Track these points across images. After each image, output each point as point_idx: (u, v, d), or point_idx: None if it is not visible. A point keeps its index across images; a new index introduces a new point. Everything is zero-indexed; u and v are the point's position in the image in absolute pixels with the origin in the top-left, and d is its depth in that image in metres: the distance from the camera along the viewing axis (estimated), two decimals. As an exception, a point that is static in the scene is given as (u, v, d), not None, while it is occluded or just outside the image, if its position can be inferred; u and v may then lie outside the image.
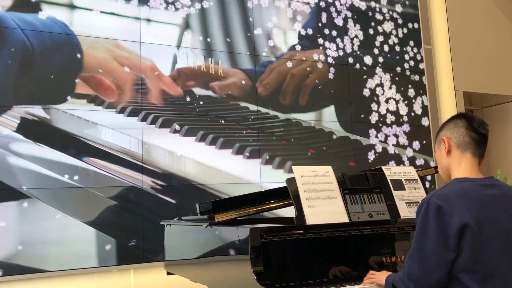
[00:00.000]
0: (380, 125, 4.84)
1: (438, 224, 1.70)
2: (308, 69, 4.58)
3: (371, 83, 4.89)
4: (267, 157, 4.20)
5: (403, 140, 4.93)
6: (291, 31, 4.60)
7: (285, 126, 4.39)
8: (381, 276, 1.95)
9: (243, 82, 4.26)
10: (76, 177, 3.57)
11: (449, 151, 1.91)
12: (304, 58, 4.59)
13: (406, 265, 1.77)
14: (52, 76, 3.59)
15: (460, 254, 1.69)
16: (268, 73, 4.39)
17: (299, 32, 4.63)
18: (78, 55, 3.69)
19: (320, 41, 4.70)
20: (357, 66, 4.84)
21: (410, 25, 5.24)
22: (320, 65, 4.65)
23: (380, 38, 5.03)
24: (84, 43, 3.73)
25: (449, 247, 1.68)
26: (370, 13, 5.03)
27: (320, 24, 4.73)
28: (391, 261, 2.22)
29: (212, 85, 4.14)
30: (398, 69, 5.07)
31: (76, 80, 3.67)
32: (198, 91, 4.10)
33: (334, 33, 4.78)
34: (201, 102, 4.09)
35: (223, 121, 4.13)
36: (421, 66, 5.21)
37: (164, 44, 4.05)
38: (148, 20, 4.02)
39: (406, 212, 2.41)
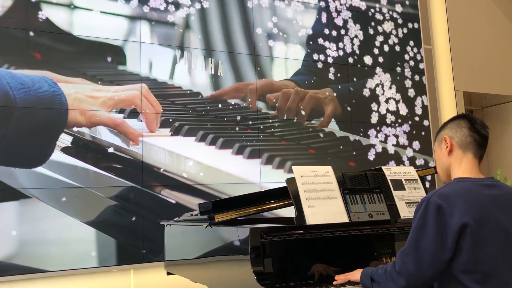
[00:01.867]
0: (380, 125, 4.84)
1: (436, 223, 1.71)
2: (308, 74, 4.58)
3: (371, 83, 4.89)
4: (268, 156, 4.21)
5: (403, 140, 4.93)
6: (291, 31, 4.60)
7: (285, 126, 4.39)
8: (356, 273, 1.95)
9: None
10: (76, 177, 3.56)
11: (450, 150, 1.91)
12: (304, 59, 4.59)
13: (398, 260, 1.77)
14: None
15: (459, 254, 1.69)
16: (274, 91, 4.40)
17: (299, 32, 4.63)
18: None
19: (320, 41, 4.70)
20: (357, 66, 4.84)
21: (410, 25, 5.24)
22: (320, 65, 4.65)
23: (380, 38, 5.03)
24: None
25: (446, 247, 1.68)
26: (370, 13, 5.03)
27: (320, 24, 4.73)
28: (391, 261, 2.22)
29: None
30: (398, 69, 5.07)
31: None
32: (199, 91, 4.11)
33: (334, 33, 4.78)
34: (206, 103, 4.09)
35: (223, 121, 4.13)
36: (421, 66, 5.21)
37: (164, 44, 4.05)
38: (148, 20, 4.02)
39: (406, 212, 2.41)
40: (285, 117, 4.40)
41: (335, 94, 4.64)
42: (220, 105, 4.15)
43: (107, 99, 3.73)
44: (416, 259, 1.72)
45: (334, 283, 2.01)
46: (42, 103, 3.50)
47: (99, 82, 3.75)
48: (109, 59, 3.82)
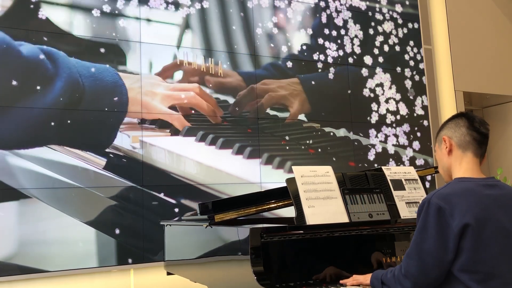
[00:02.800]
0: (380, 125, 4.84)
1: (438, 225, 1.71)
2: (307, 73, 4.58)
3: (371, 83, 4.89)
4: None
5: (403, 140, 4.93)
6: (291, 31, 4.60)
7: (285, 126, 4.39)
8: (366, 276, 1.95)
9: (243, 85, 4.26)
10: (76, 177, 3.56)
11: (450, 150, 1.91)
12: (304, 58, 4.59)
13: (404, 262, 1.77)
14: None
15: (460, 254, 1.69)
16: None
17: (299, 32, 4.63)
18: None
19: (320, 41, 4.70)
20: (357, 66, 4.84)
21: (410, 25, 5.24)
22: (320, 65, 4.65)
23: (380, 38, 5.03)
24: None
25: (447, 248, 1.68)
26: (370, 13, 5.03)
27: (320, 24, 4.73)
28: (391, 261, 2.22)
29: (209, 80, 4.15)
30: (398, 69, 5.07)
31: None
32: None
33: (334, 33, 4.78)
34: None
35: (223, 122, 4.13)
36: (421, 66, 5.21)
37: (164, 44, 4.05)
38: (148, 20, 4.02)
39: (406, 212, 2.41)
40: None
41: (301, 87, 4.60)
42: (220, 105, 4.15)
43: (166, 96, 3.90)
44: (419, 262, 1.72)
45: (348, 284, 2.00)
46: (106, 91, 3.72)
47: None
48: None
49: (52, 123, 3.52)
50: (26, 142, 3.45)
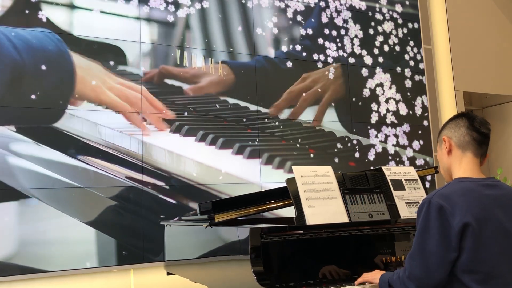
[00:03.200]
0: (380, 125, 4.84)
1: (440, 224, 1.70)
2: (307, 73, 4.59)
3: (371, 83, 4.89)
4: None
5: (403, 140, 4.93)
6: (291, 31, 4.60)
7: (285, 126, 4.39)
8: (375, 275, 1.95)
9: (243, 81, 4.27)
10: (76, 177, 3.56)
11: (450, 150, 1.91)
12: (304, 59, 4.59)
13: (407, 264, 1.77)
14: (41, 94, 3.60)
15: (461, 254, 1.69)
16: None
17: (299, 32, 4.63)
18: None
19: (320, 41, 4.70)
20: (357, 66, 4.84)
21: (410, 25, 5.24)
22: (320, 65, 4.65)
23: (380, 38, 5.03)
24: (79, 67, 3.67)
25: (450, 246, 1.68)
26: (370, 13, 5.03)
27: (320, 24, 4.73)
28: (391, 261, 2.22)
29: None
30: (398, 69, 5.07)
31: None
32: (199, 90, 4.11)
33: (334, 33, 4.78)
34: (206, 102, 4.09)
35: (223, 121, 4.13)
36: (421, 66, 5.21)
37: (164, 44, 4.05)
38: (148, 20, 4.02)
39: (406, 212, 2.41)
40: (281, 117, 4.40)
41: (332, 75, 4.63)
42: (218, 106, 4.15)
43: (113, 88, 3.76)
44: (423, 262, 1.71)
45: (358, 281, 2.01)
46: (49, 62, 3.57)
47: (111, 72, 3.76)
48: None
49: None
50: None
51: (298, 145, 4.40)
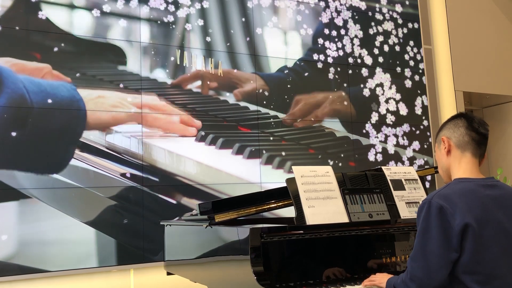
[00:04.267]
0: (380, 125, 4.84)
1: (440, 225, 1.70)
2: (307, 73, 4.59)
3: (371, 83, 4.89)
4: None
5: (403, 140, 4.93)
6: (291, 31, 4.60)
7: (285, 126, 4.39)
8: (382, 279, 1.94)
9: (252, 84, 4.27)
10: (76, 177, 3.56)
11: (449, 151, 1.91)
12: (304, 59, 4.59)
13: (409, 266, 1.77)
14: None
15: (461, 254, 1.68)
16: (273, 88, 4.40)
17: (299, 32, 4.63)
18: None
19: (320, 41, 4.70)
20: (357, 66, 4.84)
21: (410, 25, 5.24)
22: (320, 65, 4.65)
23: (380, 38, 5.03)
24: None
25: (451, 247, 1.68)
26: (370, 13, 5.03)
27: (320, 24, 4.73)
28: (391, 262, 2.22)
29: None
30: (398, 69, 5.07)
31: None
32: (198, 90, 4.11)
33: (334, 33, 4.78)
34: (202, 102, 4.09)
35: (223, 121, 4.13)
36: (421, 66, 5.21)
37: (164, 44, 4.05)
38: (148, 20, 4.02)
39: (406, 212, 2.41)
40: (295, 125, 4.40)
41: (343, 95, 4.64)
42: (220, 105, 4.15)
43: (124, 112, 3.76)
44: (424, 264, 1.71)
45: (364, 283, 2.00)
46: (59, 106, 3.54)
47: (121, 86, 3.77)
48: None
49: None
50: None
51: (298, 145, 4.40)
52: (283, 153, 4.30)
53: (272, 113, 4.36)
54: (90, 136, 3.65)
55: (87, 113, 3.64)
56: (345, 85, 4.73)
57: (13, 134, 3.40)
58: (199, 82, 4.12)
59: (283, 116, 4.39)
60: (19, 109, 3.43)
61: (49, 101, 3.51)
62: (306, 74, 4.57)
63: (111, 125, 3.71)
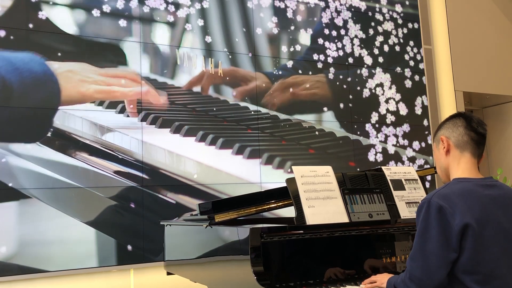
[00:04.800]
0: (380, 125, 4.84)
1: (440, 224, 1.70)
2: (309, 72, 4.59)
3: (371, 83, 4.89)
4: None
5: (403, 140, 4.93)
6: (291, 31, 4.60)
7: (285, 126, 4.39)
8: (383, 279, 1.94)
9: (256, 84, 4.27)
10: (76, 177, 3.57)
11: (448, 150, 1.90)
12: (304, 59, 4.59)
13: (408, 266, 1.76)
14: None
15: (461, 254, 1.68)
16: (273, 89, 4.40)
17: (299, 32, 4.63)
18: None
19: (320, 41, 4.70)
20: (357, 66, 4.84)
21: (410, 25, 5.24)
22: (320, 65, 4.65)
23: (380, 38, 5.03)
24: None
25: (451, 247, 1.68)
26: (370, 13, 5.03)
27: (320, 24, 4.73)
28: (391, 262, 2.22)
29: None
30: (398, 69, 5.07)
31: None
32: (198, 90, 4.11)
33: (334, 33, 4.78)
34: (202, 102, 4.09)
35: (223, 121, 4.13)
36: (421, 66, 5.21)
37: (164, 44, 4.05)
38: (148, 20, 4.02)
39: (406, 212, 2.41)
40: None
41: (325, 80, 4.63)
42: (220, 105, 4.15)
43: (100, 91, 3.74)
44: (423, 263, 1.70)
45: (365, 283, 2.00)
46: (35, 83, 3.51)
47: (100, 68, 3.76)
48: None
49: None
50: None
51: (298, 145, 4.40)
52: (280, 153, 4.30)
53: (272, 113, 4.36)
54: (86, 135, 3.65)
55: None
56: (344, 86, 4.73)
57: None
58: (199, 82, 4.12)
59: (284, 115, 4.39)
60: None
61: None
62: (305, 74, 4.56)
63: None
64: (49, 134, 3.54)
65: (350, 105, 4.73)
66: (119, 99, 3.78)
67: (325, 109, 4.59)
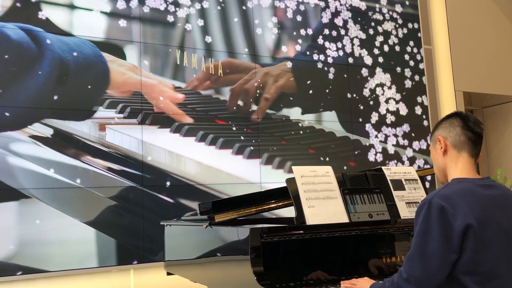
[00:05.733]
0: (380, 125, 4.84)
1: (441, 225, 1.69)
2: (308, 71, 4.59)
3: (371, 83, 4.89)
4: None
5: (403, 140, 4.93)
6: (291, 31, 4.60)
7: (285, 126, 4.39)
8: (364, 284, 1.92)
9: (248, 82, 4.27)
10: (76, 177, 3.57)
11: (445, 151, 1.89)
12: (304, 59, 4.59)
13: (405, 266, 1.75)
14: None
15: (461, 255, 1.68)
16: (269, 82, 4.39)
17: (299, 32, 4.63)
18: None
19: (320, 41, 4.70)
20: (357, 66, 4.84)
21: (410, 25, 5.24)
22: (320, 65, 4.65)
23: (380, 38, 5.03)
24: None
25: (451, 248, 1.67)
26: (370, 13, 5.03)
27: (320, 24, 4.73)
28: (391, 262, 2.22)
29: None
30: (398, 69, 5.07)
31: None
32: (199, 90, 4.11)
33: (334, 33, 4.78)
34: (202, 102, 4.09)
35: (223, 121, 4.13)
36: (421, 66, 5.21)
37: (164, 44, 4.05)
38: (148, 20, 4.02)
39: (406, 212, 2.41)
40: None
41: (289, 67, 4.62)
42: (220, 105, 4.15)
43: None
44: (423, 264, 1.69)
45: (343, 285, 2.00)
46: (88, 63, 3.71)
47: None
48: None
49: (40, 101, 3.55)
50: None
51: (298, 145, 4.40)
52: (279, 152, 4.30)
53: (272, 112, 4.36)
54: (86, 135, 3.65)
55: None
56: (344, 86, 4.73)
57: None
58: (199, 83, 4.12)
59: (284, 116, 4.39)
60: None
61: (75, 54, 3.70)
62: (305, 73, 4.56)
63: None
64: (49, 135, 3.54)
65: (350, 105, 4.72)
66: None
67: (325, 108, 4.59)
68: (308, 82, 4.55)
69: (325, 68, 4.67)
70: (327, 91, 4.64)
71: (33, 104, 3.52)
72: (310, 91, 4.56)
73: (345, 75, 4.75)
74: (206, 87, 4.14)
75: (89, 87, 3.70)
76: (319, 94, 4.60)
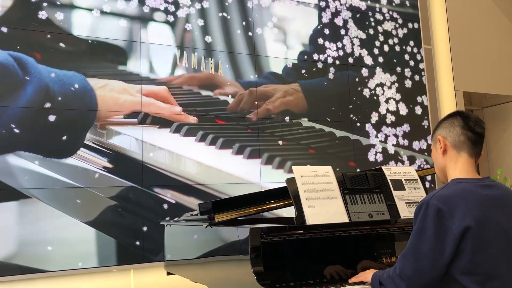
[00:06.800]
0: (380, 125, 4.84)
1: (436, 227, 1.69)
2: (307, 71, 4.59)
3: (371, 83, 4.89)
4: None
5: (403, 140, 4.93)
6: (291, 31, 4.60)
7: (285, 126, 4.39)
8: (367, 274, 1.95)
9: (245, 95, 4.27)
10: (76, 177, 3.56)
11: (445, 150, 1.89)
12: (304, 59, 4.59)
13: (399, 263, 1.76)
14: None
15: (460, 256, 1.68)
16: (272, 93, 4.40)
17: (299, 32, 4.63)
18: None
19: (320, 41, 4.70)
20: (357, 66, 4.84)
21: (410, 25, 5.24)
22: (320, 65, 4.65)
23: (380, 38, 5.03)
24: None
25: (445, 251, 1.67)
26: (370, 13, 5.03)
27: (320, 24, 4.73)
28: (391, 261, 2.22)
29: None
30: (398, 69, 5.07)
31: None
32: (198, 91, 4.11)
33: (334, 33, 4.78)
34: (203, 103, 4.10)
35: (224, 121, 4.13)
36: (421, 66, 5.21)
37: (164, 44, 4.05)
38: (148, 20, 4.02)
39: (406, 212, 2.41)
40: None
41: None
42: (220, 106, 4.15)
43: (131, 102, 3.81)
44: (415, 264, 1.70)
45: (350, 280, 2.01)
46: (75, 97, 3.62)
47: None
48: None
49: (18, 130, 3.44)
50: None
51: (298, 145, 4.40)
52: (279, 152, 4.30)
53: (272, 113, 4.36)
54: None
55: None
56: (344, 86, 4.73)
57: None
58: (199, 83, 4.12)
59: (284, 116, 4.39)
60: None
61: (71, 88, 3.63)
62: (305, 74, 4.57)
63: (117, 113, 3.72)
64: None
65: (350, 105, 4.72)
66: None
67: (324, 108, 4.59)
68: (311, 82, 4.55)
69: (325, 68, 4.66)
70: (327, 91, 4.63)
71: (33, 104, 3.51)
72: (310, 91, 4.55)
73: (345, 75, 4.75)
74: (206, 87, 4.13)
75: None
76: (319, 94, 4.59)
